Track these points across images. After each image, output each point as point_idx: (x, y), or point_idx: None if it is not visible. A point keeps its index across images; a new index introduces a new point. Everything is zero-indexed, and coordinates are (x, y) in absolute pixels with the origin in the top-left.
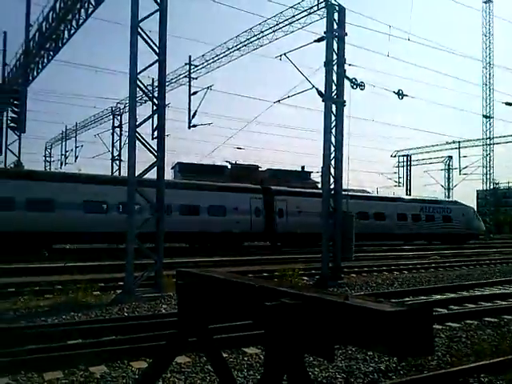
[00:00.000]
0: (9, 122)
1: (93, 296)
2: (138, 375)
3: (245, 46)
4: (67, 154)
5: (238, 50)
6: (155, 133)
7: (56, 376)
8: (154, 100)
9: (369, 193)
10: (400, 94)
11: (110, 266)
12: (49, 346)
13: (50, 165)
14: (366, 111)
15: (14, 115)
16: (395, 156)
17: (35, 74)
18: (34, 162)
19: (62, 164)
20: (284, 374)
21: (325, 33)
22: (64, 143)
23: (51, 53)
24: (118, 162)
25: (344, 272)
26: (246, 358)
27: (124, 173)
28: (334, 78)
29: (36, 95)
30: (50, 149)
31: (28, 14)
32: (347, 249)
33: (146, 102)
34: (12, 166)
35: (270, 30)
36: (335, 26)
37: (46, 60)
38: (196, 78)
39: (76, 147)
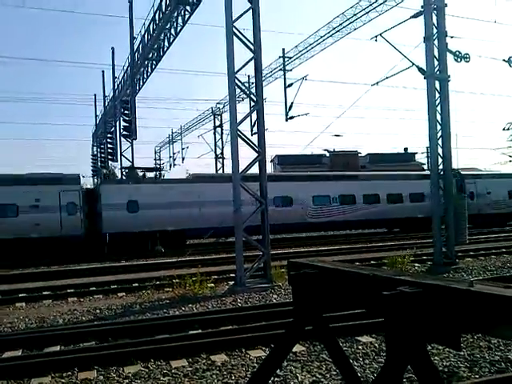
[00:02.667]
0: (122, 130)
1: (208, 288)
2: (256, 363)
3: (338, 31)
4: (174, 155)
5: (331, 36)
6: (254, 128)
7: (181, 364)
8: (252, 96)
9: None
10: (510, 62)
11: (222, 259)
12: (173, 336)
13: (159, 167)
14: (473, 84)
15: (125, 124)
16: (508, 129)
17: (141, 83)
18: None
19: (170, 166)
20: (407, 364)
21: (422, 6)
22: (171, 146)
23: (154, 62)
24: (221, 159)
25: (458, 256)
26: (360, 347)
27: (227, 170)
28: (436, 52)
29: (143, 103)
30: (159, 152)
31: (131, 28)
32: (461, 232)
33: (243, 99)
34: (127, 171)
35: (363, 12)
36: None
37: (149, 69)
38: (291, 70)
39: (182, 149)
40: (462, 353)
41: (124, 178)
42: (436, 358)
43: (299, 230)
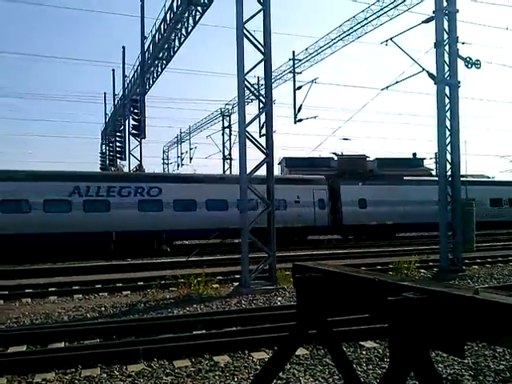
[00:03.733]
0: (131, 129)
1: (213, 288)
2: (259, 365)
3: (348, 35)
4: (182, 155)
5: (341, 39)
6: (263, 130)
7: (185, 364)
8: (261, 98)
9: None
10: None
11: (227, 260)
12: (176, 336)
13: (167, 167)
14: (483, 90)
15: (134, 123)
16: None
17: (151, 82)
18: (153, 165)
19: (178, 166)
20: (410, 370)
21: (433, 12)
22: (179, 146)
23: (164, 62)
24: (228, 160)
25: (465, 263)
26: (363, 352)
27: (234, 171)
28: (446, 58)
29: (153, 103)
30: (168, 152)
31: (142, 27)
32: (468, 239)
33: (252, 100)
34: (135, 169)
35: (374, 16)
36: (445, 4)
37: (159, 69)
38: (300, 73)
39: (190, 149)
40: (466, 361)
41: None
42: (440, 365)
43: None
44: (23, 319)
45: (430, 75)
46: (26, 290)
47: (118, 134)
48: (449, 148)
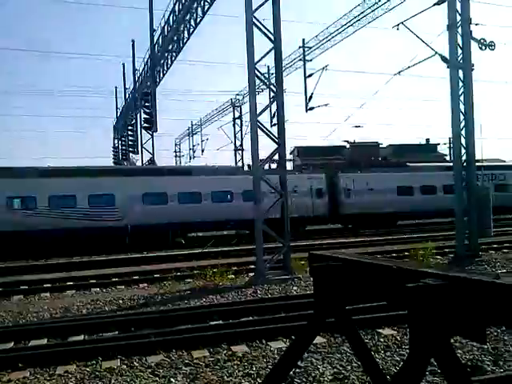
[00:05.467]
0: (142, 122)
1: (228, 279)
2: (277, 355)
3: (359, 20)
4: (194, 147)
5: (351, 25)
6: (274, 119)
7: (203, 354)
8: (272, 87)
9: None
10: None
11: (242, 251)
12: (194, 327)
13: (179, 159)
14: (498, 73)
15: (146, 116)
16: None
17: (161, 75)
18: (166, 158)
19: (190, 158)
20: (430, 357)
21: None
22: (191, 138)
23: (174, 54)
24: (240, 151)
25: (481, 249)
26: (381, 340)
27: (246, 161)
28: (459, 41)
29: (164, 95)
30: (179, 144)
31: (151, 20)
32: (485, 224)
33: (262, 90)
34: (147, 163)
35: (385, 0)
36: None
37: (169, 61)
38: (311, 60)
39: (202, 141)
40: (485, 346)
41: None
42: (459, 351)
43: None
44: (43, 313)
45: (443, 58)
46: (45, 285)
47: (129, 128)
48: (463, 132)
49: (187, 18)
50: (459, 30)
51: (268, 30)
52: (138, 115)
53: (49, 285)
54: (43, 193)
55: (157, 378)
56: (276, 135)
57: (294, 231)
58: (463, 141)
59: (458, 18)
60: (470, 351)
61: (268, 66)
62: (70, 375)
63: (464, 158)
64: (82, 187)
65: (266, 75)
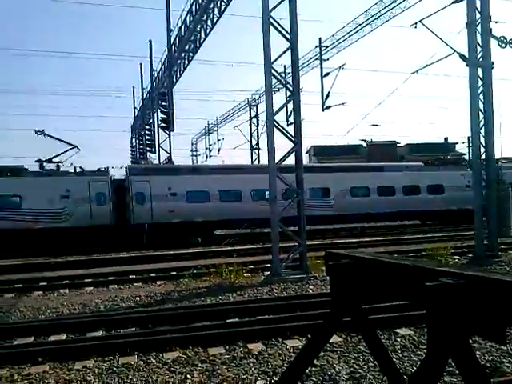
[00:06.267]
0: (159, 122)
1: (244, 277)
2: (293, 353)
3: (376, 19)
4: (210, 147)
5: (369, 24)
6: (290, 118)
7: (219, 351)
8: (289, 86)
9: None
10: None
11: (257, 249)
12: (210, 324)
13: (196, 158)
14: None
15: (163, 116)
16: None
17: (178, 75)
18: (183, 157)
19: (206, 157)
20: (449, 357)
21: None
22: (207, 137)
23: (191, 54)
24: (256, 150)
25: (501, 249)
26: (398, 339)
27: (263, 161)
28: (478, 38)
29: (180, 95)
30: (196, 143)
31: (168, 20)
32: (504, 224)
33: (279, 89)
34: (164, 162)
35: None
36: None
37: (186, 61)
38: (327, 59)
39: (218, 140)
40: (505, 347)
41: None
42: (477, 352)
43: None
44: (61, 309)
45: (462, 57)
46: (64, 282)
47: (147, 127)
48: (482, 131)
49: (204, 18)
50: (478, 27)
51: (285, 30)
52: (155, 115)
53: (68, 281)
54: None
55: (173, 375)
56: (292, 134)
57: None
58: (482, 140)
59: (478, 15)
60: (489, 352)
61: (284, 66)
62: (88, 370)
63: (483, 157)
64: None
65: (283, 74)
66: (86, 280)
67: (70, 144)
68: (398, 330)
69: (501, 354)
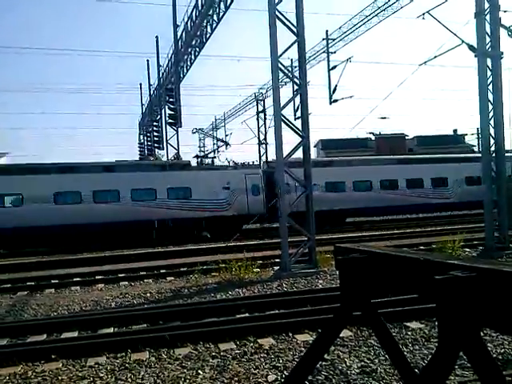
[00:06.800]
0: (167, 118)
1: (254, 273)
2: (303, 347)
3: (383, 10)
4: (218, 142)
5: (376, 15)
6: (298, 113)
7: (230, 347)
8: (295, 80)
9: None
10: None
11: (266, 244)
12: (220, 320)
13: (204, 154)
14: None
15: (170, 112)
16: None
17: (185, 71)
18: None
19: (214, 152)
20: (460, 350)
21: None
22: (215, 132)
23: (197, 49)
24: (264, 145)
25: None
26: (409, 333)
27: (270, 155)
28: (487, 28)
29: (188, 91)
30: (203, 139)
31: (174, 15)
32: None
33: (286, 83)
34: (173, 158)
35: None
36: None
37: (193, 57)
38: (334, 52)
39: (226, 135)
40: None
41: None
42: (489, 344)
43: None
44: (73, 306)
45: (471, 47)
46: (75, 279)
47: (154, 123)
48: (492, 122)
49: (210, 13)
50: (487, 17)
51: (291, 23)
52: (163, 111)
53: (79, 279)
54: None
55: (185, 370)
56: (300, 128)
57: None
58: (492, 131)
59: (487, 4)
60: (500, 345)
61: (291, 59)
62: (100, 367)
63: (493, 148)
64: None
65: (290, 68)
66: (97, 277)
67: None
68: (408, 324)
69: None
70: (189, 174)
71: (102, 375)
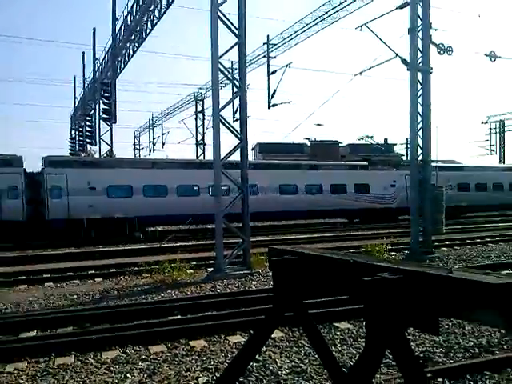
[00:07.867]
0: (101, 113)
1: (187, 274)
2: (235, 349)
3: (323, 19)
4: (154, 140)
5: (316, 24)
6: (236, 115)
7: (160, 349)
8: (236, 82)
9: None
10: (492, 56)
11: (201, 246)
12: (152, 322)
13: (139, 152)
14: (454, 77)
15: (105, 107)
16: (486, 122)
17: (122, 65)
18: (124, 150)
19: (150, 151)
20: (386, 349)
21: None
22: (151, 131)
23: (136, 44)
24: (202, 146)
25: (435, 246)
26: (338, 333)
27: (208, 156)
28: (419, 44)
29: (124, 86)
30: (139, 137)
31: (114, 8)
32: (437, 222)
33: (226, 85)
34: (105, 155)
35: (350, 0)
36: None
37: (131, 52)
38: (275, 57)
39: (162, 134)
40: (437, 339)
41: None
42: (412, 343)
43: None
44: None
45: (403, 61)
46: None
47: (87, 118)
48: (420, 134)
49: (151, 8)
50: (420, 34)
51: (233, 25)
52: (97, 106)
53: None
54: None
55: (112, 374)
56: (238, 130)
57: None
58: (420, 141)
59: (419, 22)
60: (422, 343)
61: (232, 61)
62: (20, 372)
63: (420, 158)
64: None
65: (230, 70)
66: (19, 277)
67: None
68: (337, 324)
69: (433, 345)
70: (367, 173)
71: (21, 382)
